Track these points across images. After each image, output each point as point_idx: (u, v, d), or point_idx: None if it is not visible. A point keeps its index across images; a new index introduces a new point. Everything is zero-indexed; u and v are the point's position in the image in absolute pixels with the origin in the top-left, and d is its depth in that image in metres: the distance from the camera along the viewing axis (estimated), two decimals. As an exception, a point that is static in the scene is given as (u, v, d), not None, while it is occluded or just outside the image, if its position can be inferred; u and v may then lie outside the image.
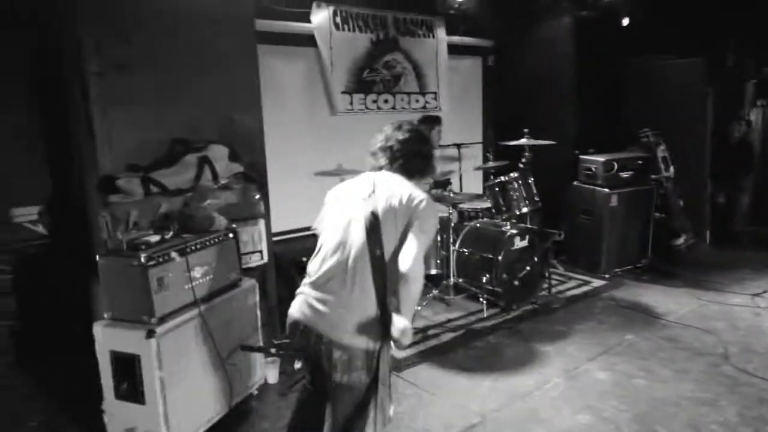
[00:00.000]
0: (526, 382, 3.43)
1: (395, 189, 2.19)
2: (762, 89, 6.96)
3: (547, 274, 4.82)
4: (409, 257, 2.02)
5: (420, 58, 5.79)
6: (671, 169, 5.78)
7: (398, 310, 2.02)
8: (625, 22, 6.20)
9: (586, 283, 5.21)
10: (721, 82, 6.37)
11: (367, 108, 5.49)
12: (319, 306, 2.09)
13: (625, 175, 5.42)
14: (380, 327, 2.06)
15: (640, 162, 5.53)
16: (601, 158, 5.39)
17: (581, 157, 5.64)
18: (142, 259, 2.48)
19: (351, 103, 5.36)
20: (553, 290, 4.92)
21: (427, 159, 2.39)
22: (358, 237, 2.11)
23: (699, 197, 6.22)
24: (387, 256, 2.09)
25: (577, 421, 2.99)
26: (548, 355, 3.79)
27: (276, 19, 4.80)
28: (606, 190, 5.30)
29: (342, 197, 2.29)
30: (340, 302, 2.07)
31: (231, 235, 3.05)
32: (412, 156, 2.32)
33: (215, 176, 3.29)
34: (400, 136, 2.33)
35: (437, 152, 3.45)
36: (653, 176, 5.65)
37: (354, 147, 5.42)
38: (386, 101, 5.62)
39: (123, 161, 3.06)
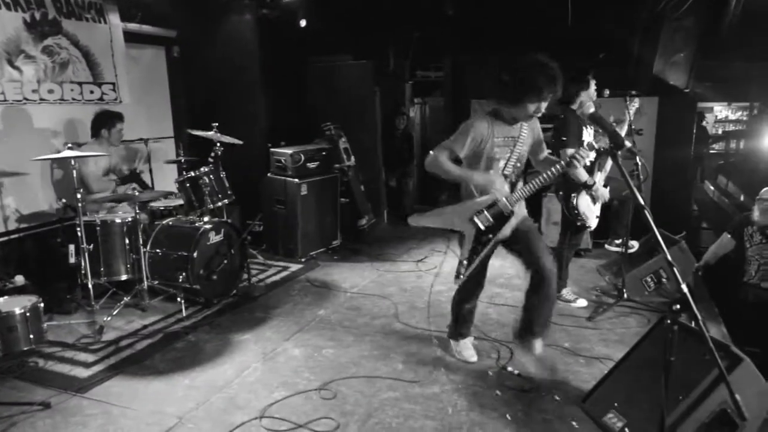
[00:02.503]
0: (225, 373, 3.49)
1: None
2: (417, 89, 8.36)
3: (245, 265, 4.94)
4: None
5: (90, 44, 5.23)
6: (352, 158, 6.51)
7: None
8: (303, 23, 6.69)
9: (285, 268, 5.52)
10: (386, 83, 7.41)
11: (26, 99, 4.74)
12: None
13: (312, 165, 5.89)
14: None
15: (324, 153, 6.07)
16: (289, 150, 5.74)
17: (272, 149, 5.92)
18: None
19: (2, 93, 4.55)
20: (254, 279, 5.08)
21: (506, 85, 3.00)
22: None
23: (376, 182, 7.16)
24: None
25: (272, 399, 3.17)
26: (247, 343, 3.91)
27: None
28: (296, 180, 5.68)
29: None
30: None
31: None
32: (506, 84, 3.01)
33: None
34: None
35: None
36: (337, 165, 6.28)
37: (13, 143, 4.66)
38: (51, 91, 4.93)
39: None
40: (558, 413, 3.01)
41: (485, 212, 3.09)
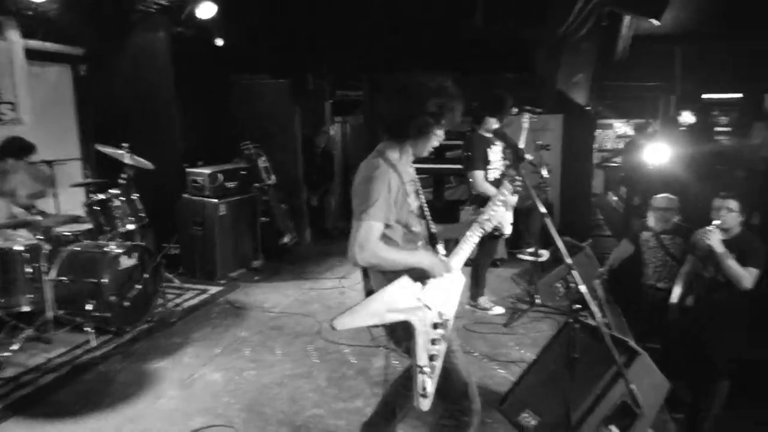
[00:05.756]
0: (139, 403, 3.33)
1: (361, 165, 2.21)
2: (337, 108, 8.43)
3: (161, 289, 4.75)
4: (350, 246, 2.04)
5: (-14, 62, 4.92)
6: (272, 177, 6.44)
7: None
8: (220, 42, 6.60)
9: (204, 291, 5.35)
10: (306, 102, 7.43)
11: None
12: None
13: (231, 185, 5.79)
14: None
15: (243, 172, 5.98)
16: (207, 170, 5.62)
17: (188, 170, 5.76)
18: None
19: None
20: (170, 304, 4.89)
21: (412, 108, 2.12)
22: None
23: (297, 201, 7.12)
24: None
25: (189, 427, 3.05)
26: (163, 371, 3.75)
27: None
28: (214, 200, 5.55)
29: None
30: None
31: None
32: (391, 114, 2.19)
33: None
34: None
35: None
36: (256, 185, 6.19)
37: None
38: (-59, 111, 4.58)
39: None
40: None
41: (427, 286, 2.16)
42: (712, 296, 3.87)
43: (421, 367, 2.08)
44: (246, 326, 4.51)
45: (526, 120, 4.73)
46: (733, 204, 3.78)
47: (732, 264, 3.63)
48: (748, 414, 3.92)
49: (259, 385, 3.53)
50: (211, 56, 6.75)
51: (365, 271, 2.23)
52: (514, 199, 4.38)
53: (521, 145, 4.46)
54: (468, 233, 2.34)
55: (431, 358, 2.11)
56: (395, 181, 2.12)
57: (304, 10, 6.74)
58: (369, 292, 2.19)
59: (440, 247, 2.30)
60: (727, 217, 3.75)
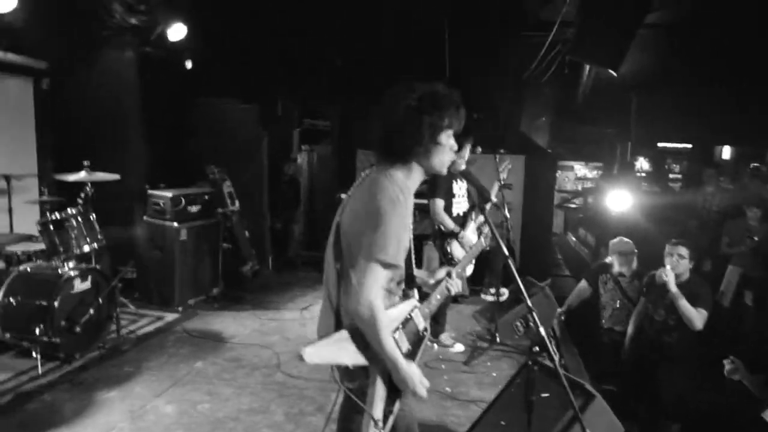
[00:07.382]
0: (86, 436, 3.19)
1: (357, 190, 1.93)
2: (305, 136, 8.45)
3: (115, 315, 4.59)
4: (347, 292, 1.82)
5: (-58, 71, 4.75)
6: (236, 203, 6.36)
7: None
8: (189, 64, 6.58)
9: (160, 318, 5.20)
10: (274, 128, 7.43)
11: None
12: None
13: (193, 209, 5.69)
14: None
15: (207, 197, 5.90)
16: (169, 193, 5.51)
17: (150, 192, 5.65)
18: None
19: None
20: (124, 331, 4.72)
21: (405, 124, 1.85)
22: (329, 245, 1.95)
23: (261, 227, 7.04)
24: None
25: (139, 463, 2.94)
26: (113, 401, 3.61)
27: None
28: (175, 224, 5.44)
29: None
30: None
31: None
32: (385, 131, 1.91)
33: None
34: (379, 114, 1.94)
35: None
36: (220, 210, 6.10)
37: None
38: None
39: None
40: (436, 458, 3.09)
41: (401, 331, 1.94)
42: (662, 338, 4.00)
43: (375, 421, 1.84)
44: (202, 356, 4.39)
45: (507, 167, 4.83)
46: (683, 251, 3.95)
47: (684, 304, 3.76)
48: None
49: (213, 420, 3.43)
50: (179, 77, 6.70)
51: None
52: (472, 239, 4.49)
53: (497, 187, 4.54)
54: (435, 293, 2.17)
55: (386, 414, 1.88)
56: (405, 213, 1.82)
57: (279, 35, 6.79)
58: None
59: (415, 293, 2.08)
60: (679, 263, 3.91)
